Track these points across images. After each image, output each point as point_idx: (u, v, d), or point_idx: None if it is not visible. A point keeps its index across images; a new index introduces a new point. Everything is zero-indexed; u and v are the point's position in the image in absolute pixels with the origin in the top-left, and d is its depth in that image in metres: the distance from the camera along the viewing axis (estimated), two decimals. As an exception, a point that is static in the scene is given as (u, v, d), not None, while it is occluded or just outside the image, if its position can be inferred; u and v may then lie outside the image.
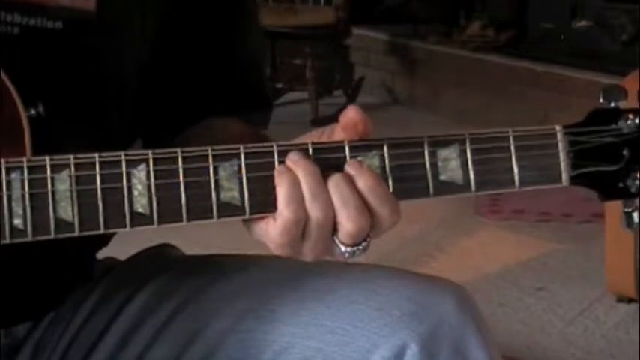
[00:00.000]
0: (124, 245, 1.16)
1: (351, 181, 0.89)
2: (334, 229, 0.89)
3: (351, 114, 0.90)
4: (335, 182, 0.88)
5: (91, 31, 1.03)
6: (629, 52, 4.34)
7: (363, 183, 0.89)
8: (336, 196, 0.88)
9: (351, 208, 0.88)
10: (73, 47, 1.02)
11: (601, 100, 0.93)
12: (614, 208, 0.94)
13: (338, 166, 0.90)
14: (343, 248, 0.90)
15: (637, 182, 0.92)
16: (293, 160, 0.89)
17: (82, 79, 1.04)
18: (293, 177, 0.88)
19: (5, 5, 0.99)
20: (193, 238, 1.22)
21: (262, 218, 0.90)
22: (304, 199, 0.88)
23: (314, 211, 0.88)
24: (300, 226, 0.88)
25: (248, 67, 1.21)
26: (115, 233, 1.17)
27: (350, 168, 0.89)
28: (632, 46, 4.40)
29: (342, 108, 4.26)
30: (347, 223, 0.88)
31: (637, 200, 0.93)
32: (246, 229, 0.92)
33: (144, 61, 1.10)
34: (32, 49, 1.00)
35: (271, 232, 0.89)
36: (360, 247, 0.90)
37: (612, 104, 0.93)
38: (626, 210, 0.93)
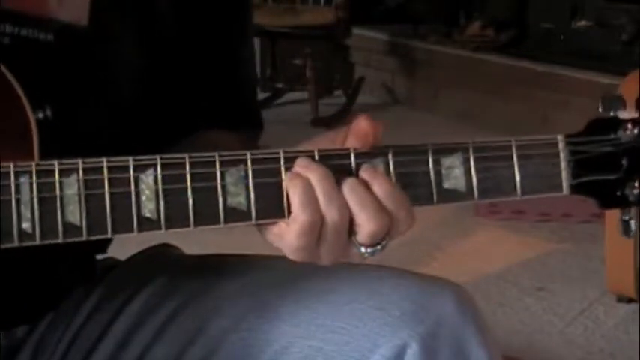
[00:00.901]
0: (124, 245, 1.16)
1: (366, 185, 0.89)
2: (352, 231, 0.90)
3: (363, 125, 0.91)
4: (350, 186, 0.89)
5: (83, 44, 1.04)
6: (629, 52, 4.34)
7: (378, 187, 0.89)
8: (352, 199, 0.89)
9: (370, 209, 0.89)
10: (64, 59, 1.03)
11: (600, 110, 0.94)
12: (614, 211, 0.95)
13: (347, 172, 0.91)
14: (363, 249, 0.91)
15: (635, 191, 0.93)
16: (303, 164, 0.89)
17: (69, 89, 1.04)
18: (306, 181, 0.89)
19: None
20: (193, 238, 1.21)
21: (275, 223, 0.90)
22: (319, 202, 0.88)
23: (330, 214, 0.89)
24: (317, 230, 0.89)
25: (241, 82, 1.21)
26: (111, 239, 1.18)
27: (364, 173, 0.90)
28: (632, 46, 4.40)
29: (342, 108, 4.26)
30: (367, 224, 0.89)
31: (635, 208, 0.94)
32: (260, 234, 0.93)
33: (138, 73, 1.10)
34: (22, 59, 1.00)
35: (287, 236, 0.90)
36: (379, 247, 0.91)
37: (611, 114, 0.94)
38: (623, 218, 0.95)
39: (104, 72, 1.06)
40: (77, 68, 1.04)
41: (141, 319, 1.12)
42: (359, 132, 0.90)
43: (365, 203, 0.89)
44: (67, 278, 1.13)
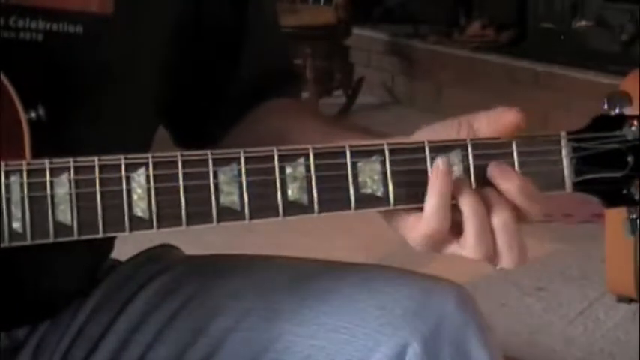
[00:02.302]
0: (124, 245, 1.16)
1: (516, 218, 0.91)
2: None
3: (510, 118, 0.92)
4: (503, 222, 0.90)
5: (110, 32, 1.04)
6: (629, 52, 4.35)
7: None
8: (502, 237, 0.91)
9: (515, 250, 0.91)
10: (94, 50, 1.03)
11: (605, 107, 0.92)
12: (616, 209, 0.94)
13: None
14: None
15: None
16: (461, 190, 0.90)
17: (98, 80, 1.04)
18: (484, 213, 0.90)
19: (29, 12, 0.99)
20: (193, 239, 1.22)
21: (412, 218, 0.91)
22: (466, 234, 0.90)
23: (473, 252, 0.90)
24: (443, 236, 0.91)
25: (269, 48, 1.21)
26: (111, 250, 1.18)
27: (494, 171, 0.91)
28: (632, 46, 4.40)
29: (342, 108, 4.24)
30: (507, 259, 0.91)
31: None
32: (384, 217, 0.94)
33: (165, 60, 1.10)
34: (54, 54, 1.01)
35: (415, 237, 0.92)
36: None
37: (617, 110, 0.92)
38: (630, 217, 0.93)
39: (129, 60, 1.06)
40: (103, 58, 1.04)
41: (142, 319, 1.12)
42: (505, 125, 0.91)
43: (512, 244, 0.91)
44: (70, 285, 1.13)
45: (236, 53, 1.17)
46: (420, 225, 0.90)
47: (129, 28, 1.06)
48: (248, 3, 1.17)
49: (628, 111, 0.92)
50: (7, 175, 0.87)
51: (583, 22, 4.65)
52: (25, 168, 0.87)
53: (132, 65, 1.07)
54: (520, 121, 0.91)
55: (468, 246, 0.90)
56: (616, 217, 0.95)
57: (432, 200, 0.89)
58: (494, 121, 0.92)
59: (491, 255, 0.91)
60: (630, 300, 2.72)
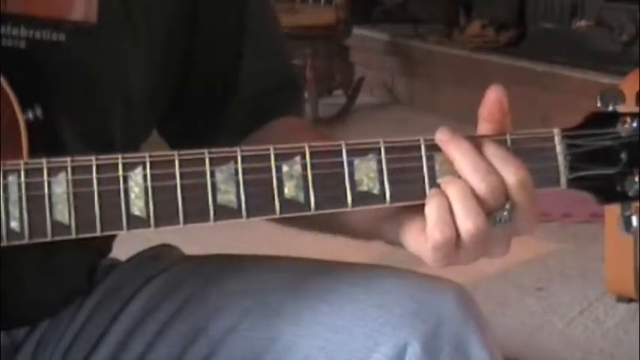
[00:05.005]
0: (124, 245, 1.16)
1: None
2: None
3: (491, 104, 0.93)
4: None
5: (93, 41, 1.04)
6: (629, 52, 4.35)
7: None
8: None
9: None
10: (76, 58, 1.03)
11: (598, 104, 0.93)
12: (613, 208, 0.95)
13: None
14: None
15: (635, 186, 0.92)
16: (445, 180, 0.91)
17: (82, 86, 1.04)
18: (442, 198, 0.90)
19: (12, 19, 1.00)
20: (193, 238, 1.22)
21: (418, 233, 0.92)
22: (455, 217, 0.89)
23: (466, 227, 0.89)
24: (452, 243, 0.90)
25: (271, 60, 1.20)
26: (109, 250, 1.18)
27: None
28: (632, 46, 4.40)
29: (342, 108, 4.23)
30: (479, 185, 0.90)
31: (635, 203, 0.93)
32: (395, 241, 0.95)
33: (157, 69, 1.10)
34: (37, 61, 1.01)
35: (424, 249, 0.91)
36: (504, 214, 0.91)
37: (610, 108, 0.93)
38: (625, 214, 0.93)
39: (114, 67, 1.06)
40: (87, 65, 1.04)
41: (142, 319, 1.12)
42: (491, 115, 0.92)
43: (477, 166, 0.90)
44: (69, 285, 1.13)
45: (236, 67, 1.16)
46: (428, 242, 0.91)
47: (114, 37, 1.06)
48: (246, 11, 1.17)
49: (621, 108, 0.93)
50: (5, 174, 0.87)
51: (583, 22, 4.65)
52: (22, 167, 0.87)
53: (119, 73, 1.07)
54: (500, 94, 0.91)
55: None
56: (616, 217, 0.95)
57: (430, 214, 0.90)
58: (484, 111, 0.92)
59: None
60: (630, 300, 2.72)
